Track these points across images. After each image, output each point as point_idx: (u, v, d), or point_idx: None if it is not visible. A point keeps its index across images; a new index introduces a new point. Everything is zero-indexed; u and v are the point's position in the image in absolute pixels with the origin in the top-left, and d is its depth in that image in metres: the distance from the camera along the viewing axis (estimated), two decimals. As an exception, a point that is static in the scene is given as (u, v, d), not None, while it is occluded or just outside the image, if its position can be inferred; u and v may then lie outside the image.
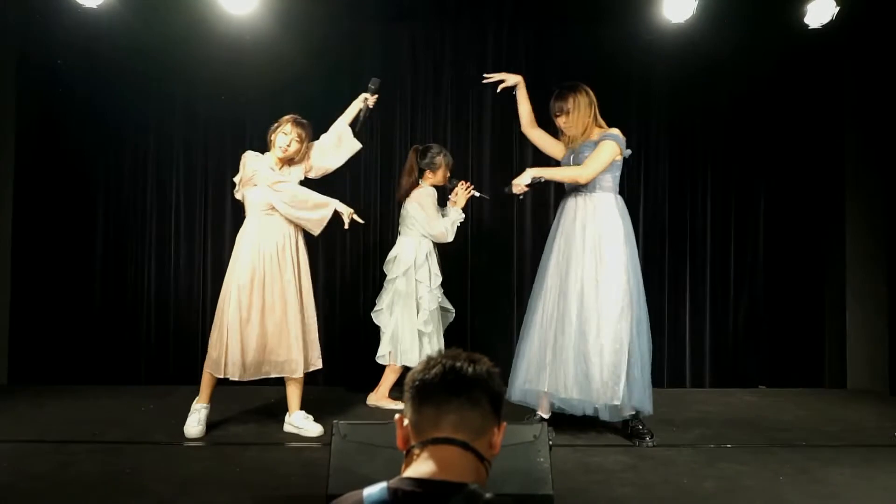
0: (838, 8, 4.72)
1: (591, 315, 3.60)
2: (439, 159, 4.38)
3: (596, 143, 3.77)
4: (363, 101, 4.03)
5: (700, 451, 3.54)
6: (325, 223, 3.82)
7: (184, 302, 5.24)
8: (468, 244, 5.31)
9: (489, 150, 5.42)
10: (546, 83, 5.40)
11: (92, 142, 5.23)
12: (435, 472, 1.15)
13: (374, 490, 1.16)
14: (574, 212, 3.79)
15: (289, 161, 3.88)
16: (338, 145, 3.98)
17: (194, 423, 3.71)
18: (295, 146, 3.83)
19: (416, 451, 1.20)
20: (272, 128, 3.86)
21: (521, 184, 3.78)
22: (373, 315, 4.50)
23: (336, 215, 3.84)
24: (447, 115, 5.42)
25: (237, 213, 5.35)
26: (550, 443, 2.60)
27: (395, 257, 4.39)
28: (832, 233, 5.40)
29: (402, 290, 4.30)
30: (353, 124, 4.02)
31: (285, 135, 3.80)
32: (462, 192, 4.36)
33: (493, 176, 5.37)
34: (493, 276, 5.39)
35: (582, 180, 3.71)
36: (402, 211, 4.46)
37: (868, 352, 5.18)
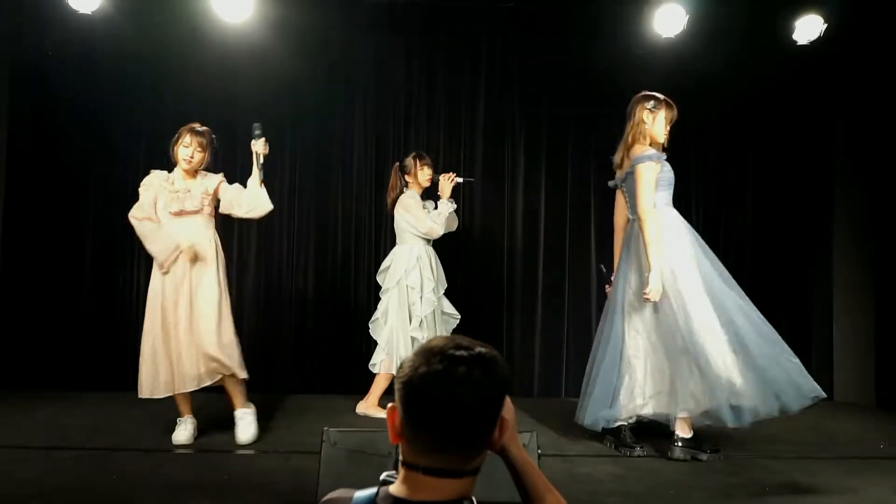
0: (826, 25, 4.81)
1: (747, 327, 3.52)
2: (409, 161, 4.44)
3: None
4: (253, 147, 3.95)
5: (688, 461, 3.55)
6: (164, 256, 3.69)
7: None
8: (459, 246, 5.34)
9: (481, 160, 5.46)
10: (538, 96, 5.48)
11: (84, 147, 5.23)
12: (422, 493, 1.10)
13: (364, 495, 1.16)
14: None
15: (194, 172, 3.82)
16: (250, 203, 3.88)
17: (182, 430, 3.70)
18: (198, 156, 3.79)
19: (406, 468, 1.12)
20: (172, 140, 3.83)
21: None
22: (370, 325, 4.51)
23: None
24: (440, 125, 5.46)
25: (226, 220, 5.37)
26: (539, 451, 2.61)
27: (388, 266, 4.42)
28: (819, 247, 5.46)
29: (395, 298, 4.32)
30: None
31: (186, 147, 3.77)
32: (446, 183, 4.40)
33: (485, 186, 5.41)
34: (485, 277, 5.44)
35: None
36: (395, 221, 4.50)
37: (855, 364, 5.23)
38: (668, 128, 3.69)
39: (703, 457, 3.52)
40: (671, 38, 4.88)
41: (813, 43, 4.90)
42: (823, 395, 3.32)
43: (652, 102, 3.64)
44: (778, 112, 5.51)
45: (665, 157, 3.65)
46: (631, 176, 3.64)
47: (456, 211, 4.46)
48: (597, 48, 5.32)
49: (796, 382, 3.30)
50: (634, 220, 3.69)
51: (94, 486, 3.04)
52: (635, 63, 5.25)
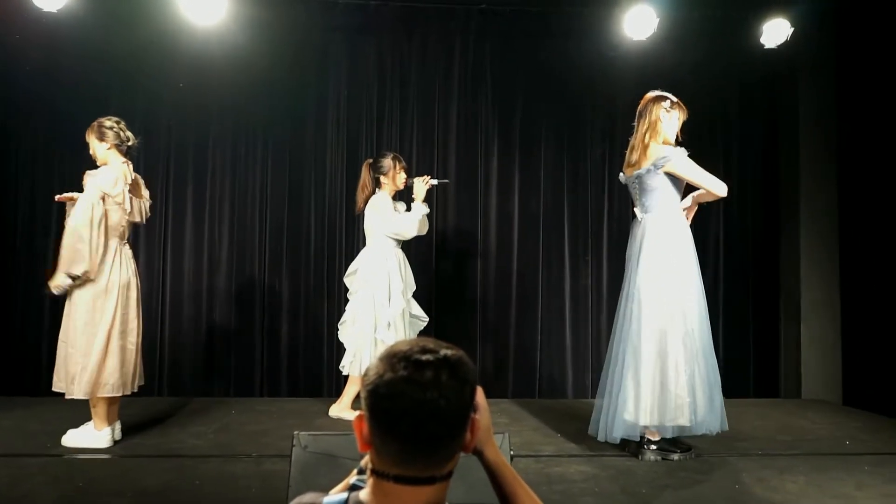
0: (793, 29, 4.90)
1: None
2: (387, 162, 4.38)
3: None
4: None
5: (659, 461, 3.58)
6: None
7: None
8: (431, 247, 5.34)
9: (455, 162, 5.47)
10: (511, 97, 5.50)
11: (49, 149, 5.13)
12: (394, 502, 1.08)
13: (333, 501, 1.14)
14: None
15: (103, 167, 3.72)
16: None
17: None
18: (93, 151, 3.74)
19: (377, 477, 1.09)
20: None
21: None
22: (339, 327, 4.47)
23: None
24: (413, 126, 5.45)
25: (198, 222, 5.32)
26: (512, 452, 2.61)
27: (356, 269, 4.37)
28: (787, 246, 5.55)
29: (363, 301, 4.28)
30: None
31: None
32: (421, 185, 4.38)
33: (458, 188, 5.42)
34: (458, 278, 5.45)
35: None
36: (364, 222, 4.46)
37: (822, 363, 5.32)
38: (679, 129, 3.68)
39: (675, 456, 3.56)
40: (642, 41, 4.93)
41: (780, 46, 4.99)
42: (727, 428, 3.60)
43: (668, 103, 3.62)
44: (746, 114, 5.61)
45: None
46: (651, 173, 3.57)
47: (428, 215, 4.43)
48: (569, 50, 5.36)
49: (722, 410, 3.56)
50: (640, 221, 3.67)
51: (61, 494, 2.98)
52: (607, 65, 5.30)
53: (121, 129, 3.72)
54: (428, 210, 4.39)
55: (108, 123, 3.71)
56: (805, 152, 5.46)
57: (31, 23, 4.70)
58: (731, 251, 5.59)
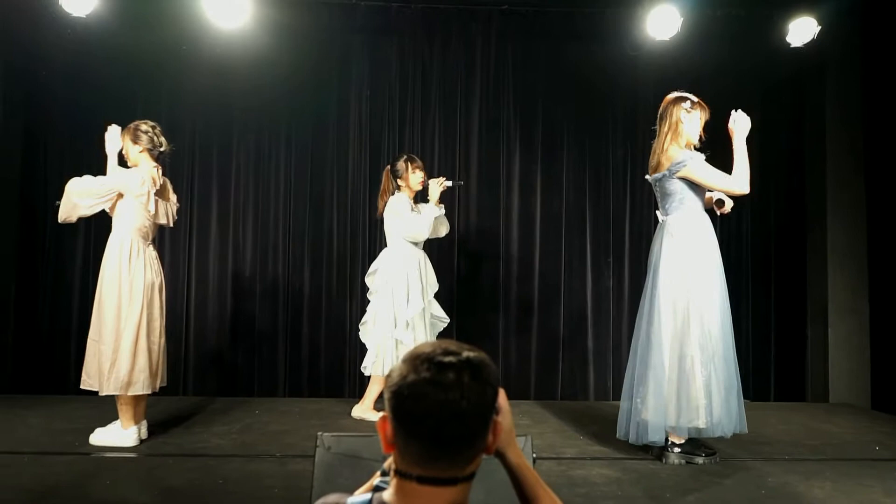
0: (820, 27, 4.83)
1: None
2: (400, 164, 4.39)
3: None
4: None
5: (683, 464, 3.55)
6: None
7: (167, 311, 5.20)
8: (454, 248, 5.34)
9: (476, 163, 5.47)
10: (533, 97, 5.49)
11: (75, 149, 5.21)
12: (417, 503, 1.09)
13: (357, 501, 1.15)
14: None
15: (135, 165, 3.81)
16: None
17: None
18: (125, 152, 3.82)
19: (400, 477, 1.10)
20: None
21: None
22: (360, 328, 4.49)
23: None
24: (435, 127, 5.46)
25: (222, 223, 5.37)
26: (534, 455, 2.60)
27: (377, 270, 4.39)
28: (814, 247, 5.47)
29: (383, 301, 4.29)
30: None
31: None
32: (435, 187, 4.38)
33: (480, 188, 5.41)
34: (480, 279, 5.45)
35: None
36: (384, 224, 4.48)
37: (850, 366, 5.23)
38: (702, 129, 3.64)
39: (699, 460, 3.53)
40: (665, 41, 4.89)
41: (807, 45, 4.92)
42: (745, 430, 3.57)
43: (688, 103, 3.58)
44: (771, 114, 5.53)
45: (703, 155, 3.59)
46: (666, 178, 3.56)
47: (447, 216, 4.43)
48: (592, 50, 5.34)
49: (742, 411, 3.52)
50: (661, 224, 3.65)
51: (87, 492, 3.02)
52: (630, 65, 5.27)
53: (155, 133, 3.81)
54: (441, 211, 4.39)
55: (143, 127, 3.80)
56: (831, 151, 5.38)
57: (60, 27, 4.79)
58: (757, 252, 5.52)
